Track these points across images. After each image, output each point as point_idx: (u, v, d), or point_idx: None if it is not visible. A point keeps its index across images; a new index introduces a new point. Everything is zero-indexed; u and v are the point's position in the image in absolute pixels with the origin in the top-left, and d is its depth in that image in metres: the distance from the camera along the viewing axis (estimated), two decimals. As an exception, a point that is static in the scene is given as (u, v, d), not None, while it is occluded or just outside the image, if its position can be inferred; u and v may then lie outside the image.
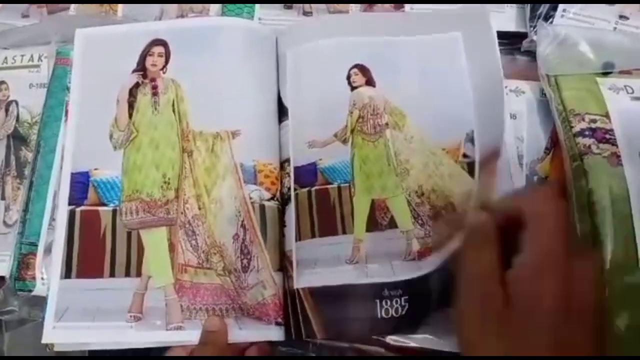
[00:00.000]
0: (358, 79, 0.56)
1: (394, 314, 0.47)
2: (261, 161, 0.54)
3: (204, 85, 0.56)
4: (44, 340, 0.48)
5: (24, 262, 0.53)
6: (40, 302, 0.51)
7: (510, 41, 0.61)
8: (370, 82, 0.56)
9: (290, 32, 0.60)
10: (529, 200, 0.39)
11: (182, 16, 0.67)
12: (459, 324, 0.38)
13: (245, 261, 0.50)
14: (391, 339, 0.48)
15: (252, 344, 0.48)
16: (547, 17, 0.60)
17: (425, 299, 0.47)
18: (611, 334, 0.44)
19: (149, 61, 0.57)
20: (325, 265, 0.50)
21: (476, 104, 0.53)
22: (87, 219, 0.53)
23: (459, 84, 0.55)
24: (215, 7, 0.67)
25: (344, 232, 0.51)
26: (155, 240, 0.52)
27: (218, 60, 0.57)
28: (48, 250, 0.53)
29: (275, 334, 0.49)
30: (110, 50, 0.59)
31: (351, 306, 0.48)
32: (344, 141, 0.54)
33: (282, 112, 0.57)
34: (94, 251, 0.52)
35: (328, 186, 0.53)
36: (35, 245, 0.53)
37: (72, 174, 0.54)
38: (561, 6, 0.60)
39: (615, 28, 0.60)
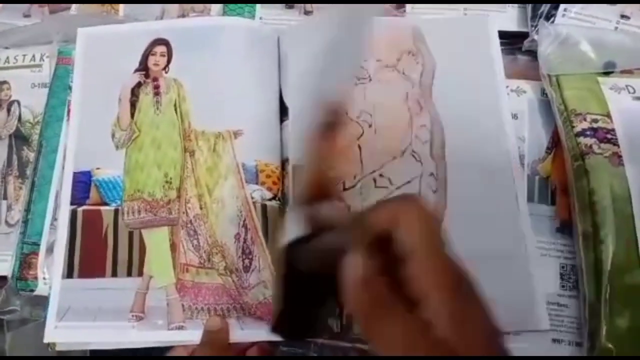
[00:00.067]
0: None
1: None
2: (263, 161, 0.54)
3: (205, 84, 0.56)
4: (46, 340, 0.48)
5: (26, 262, 0.53)
6: (42, 302, 0.51)
7: (512, 41, 0.61)
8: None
9: (292, 32, 0.60)
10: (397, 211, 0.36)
11: (183, 16, 0.67)
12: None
13: (246, 261, 0.50)
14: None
15: (253, 343, 0.48)
16: (549, 17, 0.60)
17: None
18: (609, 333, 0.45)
19: (151, 61, 0.58)
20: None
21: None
22: (89, 218, 0.53)
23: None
24: (216, 7, 0.67)
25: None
26: (157, 240, 0.52)
27: (219, 60, 0.57)
28: (50, 250, 0.53)
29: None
30: (112, 50, 0.59)
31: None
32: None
33: (283, 111, 0.57)
34: (95, 251, 0.52)
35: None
36: (37, 245, 0.54)
37: (74, 174, 0.54)
38: (562, 6, 0.60)
39: (616, 28, 0.60)
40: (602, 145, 0.51)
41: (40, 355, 0.51)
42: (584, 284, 0.48)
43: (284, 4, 0.66)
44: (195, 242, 0.51)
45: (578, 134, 0.52)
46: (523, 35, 0.61)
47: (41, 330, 0.49)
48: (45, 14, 0.67)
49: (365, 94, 0.56)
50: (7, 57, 0.63)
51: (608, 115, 0.53)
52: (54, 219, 0.54)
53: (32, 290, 0.52)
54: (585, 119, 0.53)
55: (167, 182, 0.53)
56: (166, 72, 0.57)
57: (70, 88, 0.58)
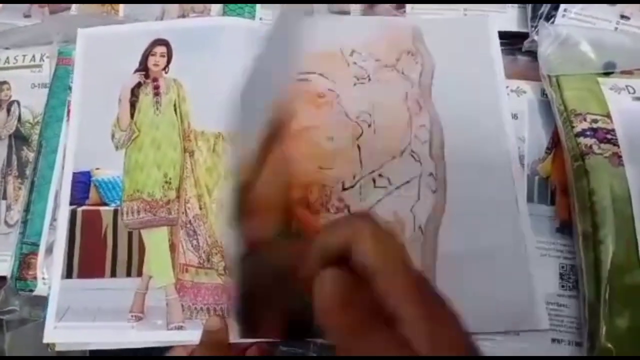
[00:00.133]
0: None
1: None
2: (262, 161, 0.54)
3: (205, 85, 0.56)
4: (45, 340, 0.49)
5: (25, 262, 0.53)
6: (41, 302, 0.51)
7: (512, 41, 0.61)
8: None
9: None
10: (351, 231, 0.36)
11: (183, 16, 0.67)
12: None
13: (246, 261, 0.50)
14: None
15: (252, 343, 0.48)
16: (549, 17, 0.60)
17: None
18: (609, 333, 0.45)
19: (151, 61, 0.58)
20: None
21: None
22: (89, 218, 0.53)
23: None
24: (216, 7, 0.67)
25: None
26: (156, 240, 0.52)
27: (219, 60, 0.57)
28: (49, 250, 0.53)
29: (276, 333, 0.49)
30: (112, 50, 0.59)
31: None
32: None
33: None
34: (95, 251, 0.52)
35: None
36: (36, 245, 0.54)
37: (74, 174, 0.54)
38: (562, 6, 0.60)
39: (616, 28, 0.60)
40: (602, 145, 0.51)
41: (39, 355, 0.51)
42: (584, 284, 0.48)
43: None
44: (194, 242, 0.51)
45: (578, 134, 0.52)
46: (523, 36, 0.61)
47: (40, 331, 0.49)
48: (45, 14, 0.67)
49: (365, 94, 0.56)
50: (7, 58, 0.63)
51: (608, 116, 0.53)
52: (54, 219, 0.54)
53: (32, 291, 0.52)
54: (585, 119, 0.53)
55: (166, 182, 0.53)
56: (166, 73, 0.57)
57: (70, 88, 0.58)
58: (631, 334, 0.45)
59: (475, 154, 0.53)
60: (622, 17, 0.60)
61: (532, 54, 0.59)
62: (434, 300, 0.33)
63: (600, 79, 0.55)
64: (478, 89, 0.57)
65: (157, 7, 0.67)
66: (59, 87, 0.59)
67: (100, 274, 0.51)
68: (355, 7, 0.66)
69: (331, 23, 0.64)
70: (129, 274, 0.51)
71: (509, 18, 0.63)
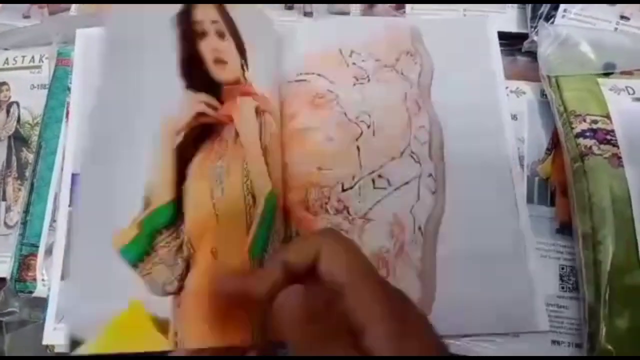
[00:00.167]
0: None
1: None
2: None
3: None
4: (45, 342, 0.48)
5: (24, 264, 0.53)
6: (40, 304, 0.51)
7: (511, 42, 0.61)
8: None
9: (291, 34, 0.60)
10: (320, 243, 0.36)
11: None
12: None
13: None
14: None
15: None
16: (548, 18, 0.60)
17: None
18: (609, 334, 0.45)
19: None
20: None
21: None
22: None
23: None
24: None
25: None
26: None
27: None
28: (49, 251, 0.53)
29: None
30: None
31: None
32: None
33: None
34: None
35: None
36: (36, 246, 0.54)
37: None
38: (562, 6, 0.60)
39: (616, 29, 0.60)
40: (602, 146, 0.51)
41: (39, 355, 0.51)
42: (584, 285, 0.48)
43: (283, 6, 0.66)
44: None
45: (577, 135, 0.52)
46: (523, 36, 0.61)
47: (40, 332, 0.49)
48: (44, 15, 0.67)
49: (364, 94, 0.56)
50: (7, 59, 0.63)
51: (608, 117, 0.53)
52: (53, 220, 0.54)
53: (31, 292, 0.52)
54: (584, 120, 0.53)
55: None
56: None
57: (69, 89, 0.58)
58: (631, 335, 0.45)
59: (474, 155, 0.53)
60: (622, 17, 0.60)
61: (532, 55, 0.59)
62: (401, 313, 0.33)
63: (600, 80, 0.55)
64: (477, 90, 0.57)
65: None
66: (58, 88, 0.59)
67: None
68: (354, 8, 0.66)
69: (330, 23, 0.64)
70: (128, 275, 0.51)
71: (509, 18, 0.63)
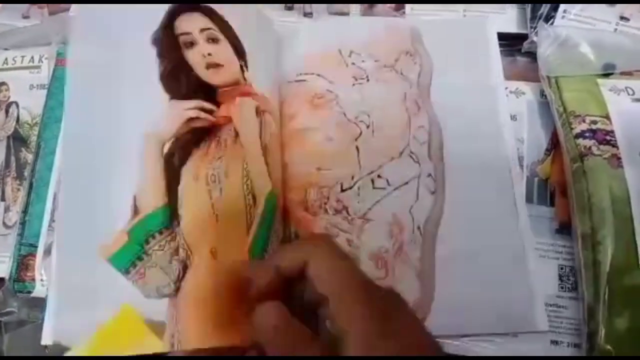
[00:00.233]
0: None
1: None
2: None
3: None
4: (44, 342, 0.48)
5: (23, 264, 0.53)
6: (39, 304, 0.51)
7: (511, 42, 0.61)
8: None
9: (291, 35, 0.60)
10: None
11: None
12: None
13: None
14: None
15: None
16: (548, 18, 0.60)
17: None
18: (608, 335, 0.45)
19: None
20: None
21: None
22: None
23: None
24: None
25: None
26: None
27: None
28: (48, 251, 0.53)
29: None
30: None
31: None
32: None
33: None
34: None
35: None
36: (34, 246, 0.53)
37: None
38: (562, 7, 0.60)
39: (615, 29, 0.60)
40: (601, 146, 0.51)
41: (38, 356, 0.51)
42: (583, 286, 0.48)
43: (283, 7, 0.66)
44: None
45: (577, 136, 0.52)
46: (522, 37, 0.61)
47: (39, 332, 0.48)
48: (44, 15, 0.67)
49: (363, 94, 0.56)
50: (6, 59, 0.63)
51: (607, 117, 0.53)
52: (52, 220, 0.54)
53: (30, 292, 0.52)
54: (584, 121, 0.53)
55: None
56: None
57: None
58: (630, 335, 0.45)
59: (474, 155, 0.53)
60: (622, 18, 0.60)
61: (532, 55, 0.59)
62: (384, 313, 0.33)
63: (600, 80, 0.55)
64: (477, 90, 0.57)
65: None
66: (57, 88, 0.59)
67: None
68: (354, 8, 0.66)
69: (330, 24, 0.64)
70: (127, 276, 0.51)
71: (508, 19, 0.63)
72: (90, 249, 0.43)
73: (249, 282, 0.37)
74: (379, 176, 0.52)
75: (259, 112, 0.51)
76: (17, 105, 0.61)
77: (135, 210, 0.44)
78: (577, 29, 0.58)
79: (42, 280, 0.52)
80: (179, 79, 0.49)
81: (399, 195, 0.52)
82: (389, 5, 0.65)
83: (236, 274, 0.41)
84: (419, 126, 0.55)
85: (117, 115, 0.48)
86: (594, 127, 0.52)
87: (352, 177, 0.52)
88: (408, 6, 0.65)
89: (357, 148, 0.53)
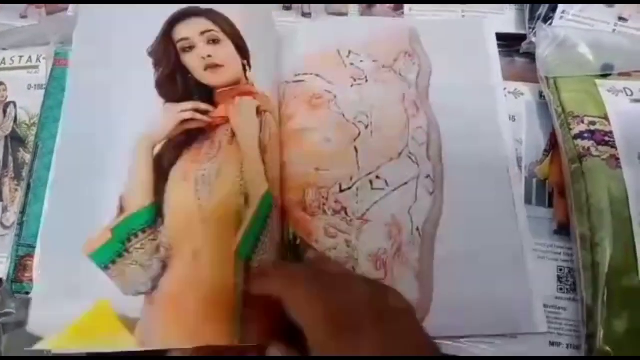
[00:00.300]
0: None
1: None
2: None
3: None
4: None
5: (21, 264, 0.53)
6: (37, 304, 0.51)
7: (509, 43, 0.61)
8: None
9: (290, 35, 0.60)
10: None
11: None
12: None
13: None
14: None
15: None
16: (547, 19, 0.60)
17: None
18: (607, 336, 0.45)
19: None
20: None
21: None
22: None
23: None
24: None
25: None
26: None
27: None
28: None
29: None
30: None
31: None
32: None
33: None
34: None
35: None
36: (32, 247, 0.53)
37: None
38: (560, 8, 0.60)
39: (614, 30, 0.60)
40: (600, 147, 0.51)
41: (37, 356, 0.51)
42: (582, 287, 0.48)
43: (281, 7, 0.66)
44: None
45: (576, 137, 0.52)
46: (521, 38, 0.61)
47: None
48: (42, 15, 0.67)
49: (362, 95, 0.56)
50: (4, 59, 0.63)
51: (606, 118, 0.53)
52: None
53: (28, 293, 0.52)
54: (582, 122, 0.53)
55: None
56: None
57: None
58: (629, 336, 0.45)
59: (472, 156, 0.53)
60: (620, 19, 0.60)
61: (530, 56, 0.59)
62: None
63: (598, 81, 0.55)
64: (475, 91, 0.57)
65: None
66: (55, 88, 0.59)
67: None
68: (353, 8, 0.66)
69: (328, 24, 0.64)
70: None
71: (507, 20, 0.63)
72: (75, 244, 0.44)
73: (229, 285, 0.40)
74: (377, 177, 0.52)
75: (259, 111, 0.51)
76: (15, 105, 0.61)
77: (121, 209, 0.45)
78: (575, 30, 0.58)
79: (40, 281, 0.52)
80: (175, 83, 0.50)
81: (397, 196, 0.52)
82: (387, 5, 0.65)
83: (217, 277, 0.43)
84: (418, 127, 0.55)
85: (111, 117, 0.48)
86: (592, 127, 0.52)
87: (351, 178, 0.52)
88: (407, 6, 0.65)
89: (355, 149, 0.53)
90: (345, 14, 0.66)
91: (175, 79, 0.50)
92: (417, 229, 0.51)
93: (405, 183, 0.52)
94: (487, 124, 0.55)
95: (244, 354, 0.47)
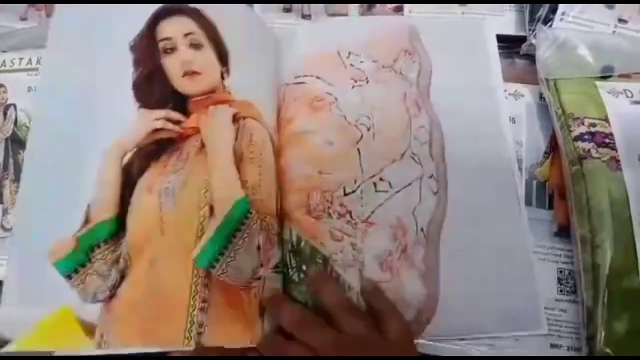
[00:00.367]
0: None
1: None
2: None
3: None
4: None
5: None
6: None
7: (509, 45, 0.61)
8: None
9: (289, 37, 0.60)
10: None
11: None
12: None
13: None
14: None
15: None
16: (547, 21, 0.60)
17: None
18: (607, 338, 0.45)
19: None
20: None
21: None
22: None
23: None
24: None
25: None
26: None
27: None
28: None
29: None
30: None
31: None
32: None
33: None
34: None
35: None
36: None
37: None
38: (560, 9, 0.60)
39: (614, 32, 0.60)
40: (600, 149, 0.51)
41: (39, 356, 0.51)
42: (582, 289, 0.48)
43: (281, 8, 0.66)
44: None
45: (576, 138, 0.52)
46: (521, 39, 0.61)
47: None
48: (42, 17, 0.67)
49: (363, 96, 0.56)
50: (4, 61, 0.62)
51: (606, 119, 0.53)
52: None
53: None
54: (583, 123, 0.53)
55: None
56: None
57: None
58: (629, 338, 0.45)
59: (475, 156, 0.54)
60: (620, 20, 0.60)
61: (530, 58, 0.59)
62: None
63: (598, 83, 0.55)
64: (476, 92, 0.57)
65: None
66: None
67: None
68: (353, 9, 0.66)
69: (328, 25, 0.64)
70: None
71: (507, 21, 0.63)
72: (41, 251, 0.45)
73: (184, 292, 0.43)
74: (381, 179, 0.52)
75: (236, 118, 0.51)
76: (15, 108, 0.60)
77: (87, 219, 0.46)
78: (575, 32, 0.59)
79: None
80: (152, 87, 0.50)
81: (401, 197, 0.52)
82: (387, 6, 0.65)
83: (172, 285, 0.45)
84: (420, 126, 0.55)
85: (86, 123, 0.49)
86: (592, 129, 0.52)
87: (355, 181, 0.52)
88: (406, 7, 0.65)
89: (358, 151, 0.53)
90: (345, 15, 0.66)
91: (152, 83, 0.50)
92: (422, 230, 0.51)
93: (409, 184, 0.52)
94: (489, 124, 0.56)
95: (244, 353, 0.47)
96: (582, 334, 0.47)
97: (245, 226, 0.46)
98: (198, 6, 0.53)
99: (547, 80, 0.57)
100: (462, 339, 0.48)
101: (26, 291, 0.45)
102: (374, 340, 0.43)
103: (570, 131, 0.53)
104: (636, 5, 0.61)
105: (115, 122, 0.49)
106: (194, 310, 0.44)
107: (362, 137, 0.54)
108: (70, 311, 0.44)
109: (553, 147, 0.55)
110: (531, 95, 0.59)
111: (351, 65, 0.58)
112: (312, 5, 0.66)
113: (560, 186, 0.53)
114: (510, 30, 0.63)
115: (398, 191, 0.52)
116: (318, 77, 0.57)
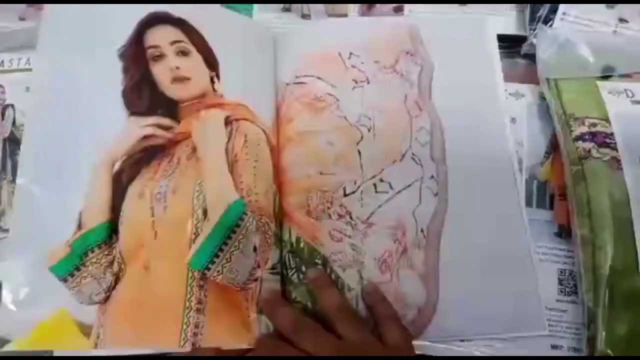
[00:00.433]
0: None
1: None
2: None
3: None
4: None
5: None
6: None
7: (510, 44, 0.61)
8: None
9: (289, 36, 0.60)
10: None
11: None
12: None
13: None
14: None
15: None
16: (547, 21, 0.60)
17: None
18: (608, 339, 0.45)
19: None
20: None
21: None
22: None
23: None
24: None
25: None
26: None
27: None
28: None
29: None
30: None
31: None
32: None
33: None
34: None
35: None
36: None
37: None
38: (561, 9, 0.60)
39: (615, 31, 0.60)
40: (601, 149, 0.51)
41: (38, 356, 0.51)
42: (583, 289, 0.48)
43: (280, 9, 0.66)
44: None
45: (577, 138, 0.52)
46: (521, 39, 0.61)
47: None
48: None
49: (364, 97, 0.56)
50: (2, 61, 0.62)
51: (607, 119, 0.53)
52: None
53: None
54: (583, 123, 0.53)
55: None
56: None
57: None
58: (630, 338, 0.45)
59: (476, 156, 0.53)
60: (621, 20, 0.60)
61: (531, 57, 0.59)
62: None
63: (599, 83, 0.55)
64: (477, 92, 0.57)
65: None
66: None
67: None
68: (353, 9, 0.66)
69: (329, 25, 0.64)
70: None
71: (508, 21, 0.63)
72: (38, 255, 0.45)
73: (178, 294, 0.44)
74: (381, 180, 0.52)
75: (229, 121, 0.51)
76: (13, 108, 0.60)
77: (80, 225, 0.46)
78: (576, 31, 0.58)
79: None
80: (141, 94, 0.50)
81: (401, 198, 0.52)
82: (387, 6, 0.65)
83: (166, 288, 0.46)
84: (421, 127, 0.54)
85: (76, 130, 0.49)
86: (593, 129, 0.52)
87: (355, 182, 0.52)
88: (407, 8, 0.64)
89: (358, 152, 0.53)
90: (345, 15, 0.66)
91: (142, 90, 0.50)
92: (422, 231, 0.51)
93: (410, 185, 0.52)
94: (490, 124, 0.55)
95: (244, 353, 0.47)
96: (583, 334, 0.47)
97: (240, 228, 0.46)
98: (183, 15, 0.53)
99: (547, 80, 0.57)
100: (462, 340, 0.48)
101: (24, 292, 0.45)
102: (373, 346, 0.43)
103: (571, 131, 0.53)
104: (637, 5, 0.61)
105: (105, 130, 0.48)
106: (189, 311, 0.45)
107: (362, 137, 0.54)
108: (67, 313, 0.45)
109: (554, 147, 0.55)
110: (532, 95, 0.59)
111: (352, 66, 0.58)
112: (312, 5, 0.66)
113: (561, 186, 0.53)
114: (511, 30, 0.63)
115: (398, 192, 0.52)
116: (319, 78, 0.57)
